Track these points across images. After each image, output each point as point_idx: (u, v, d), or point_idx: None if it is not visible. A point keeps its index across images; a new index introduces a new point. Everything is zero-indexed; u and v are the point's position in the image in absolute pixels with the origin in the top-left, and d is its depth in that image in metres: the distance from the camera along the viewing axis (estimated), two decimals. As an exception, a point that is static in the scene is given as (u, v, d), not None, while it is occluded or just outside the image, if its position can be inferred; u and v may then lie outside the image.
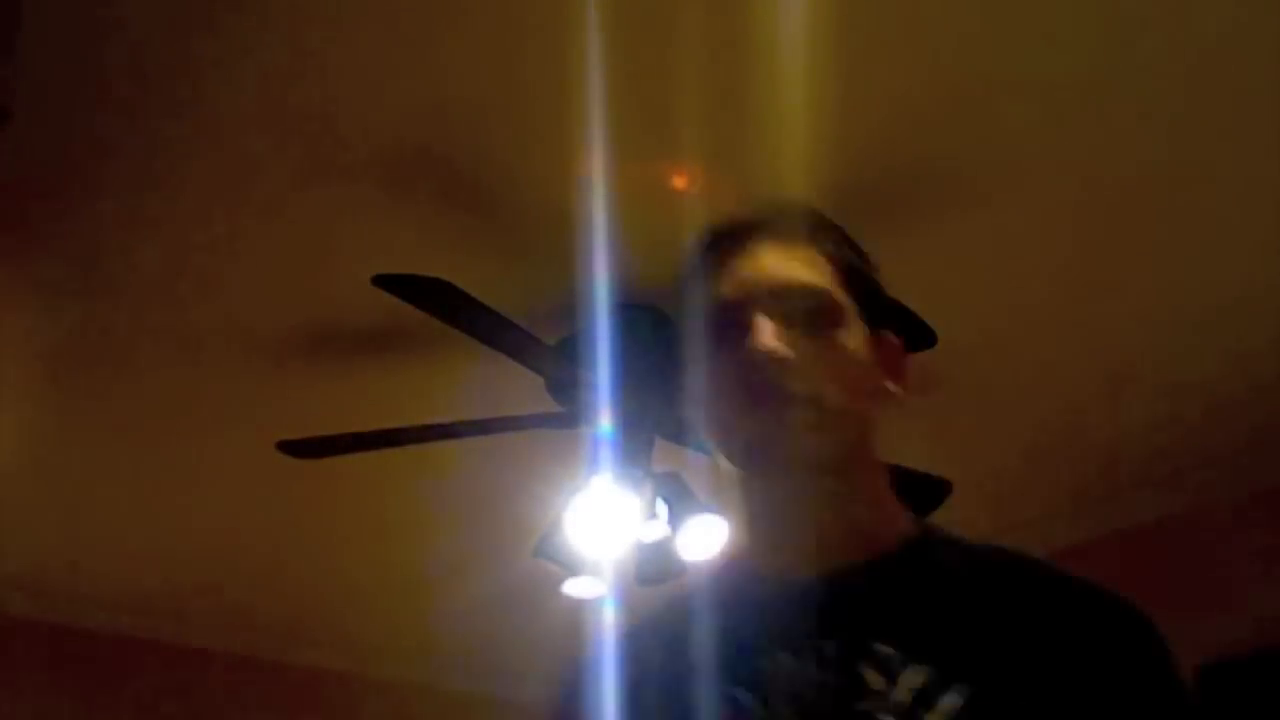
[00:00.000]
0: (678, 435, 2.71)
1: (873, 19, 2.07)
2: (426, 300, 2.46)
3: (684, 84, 2.22)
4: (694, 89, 2.22)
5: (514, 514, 3.43)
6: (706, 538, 2.79)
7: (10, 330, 2.95)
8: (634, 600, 2.22)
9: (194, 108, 2.30)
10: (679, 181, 2.41)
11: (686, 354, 1.09)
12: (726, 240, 1.11)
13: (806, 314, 1.04)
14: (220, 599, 4.31)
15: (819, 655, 0.99)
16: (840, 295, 1.06)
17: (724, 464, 1.08)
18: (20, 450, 3.46)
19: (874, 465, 1.09)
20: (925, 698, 0.94)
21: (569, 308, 2.65)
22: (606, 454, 2.65)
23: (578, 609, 3.45)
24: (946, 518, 1.15)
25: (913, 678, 0.95)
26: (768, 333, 1.02)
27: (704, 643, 1.05)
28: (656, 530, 2.83)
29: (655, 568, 2.90)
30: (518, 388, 2.77)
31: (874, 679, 0.97)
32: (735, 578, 1.10)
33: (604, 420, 2.62)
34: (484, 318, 2.50)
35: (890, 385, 1.09)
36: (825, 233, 1.11)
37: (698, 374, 1.08)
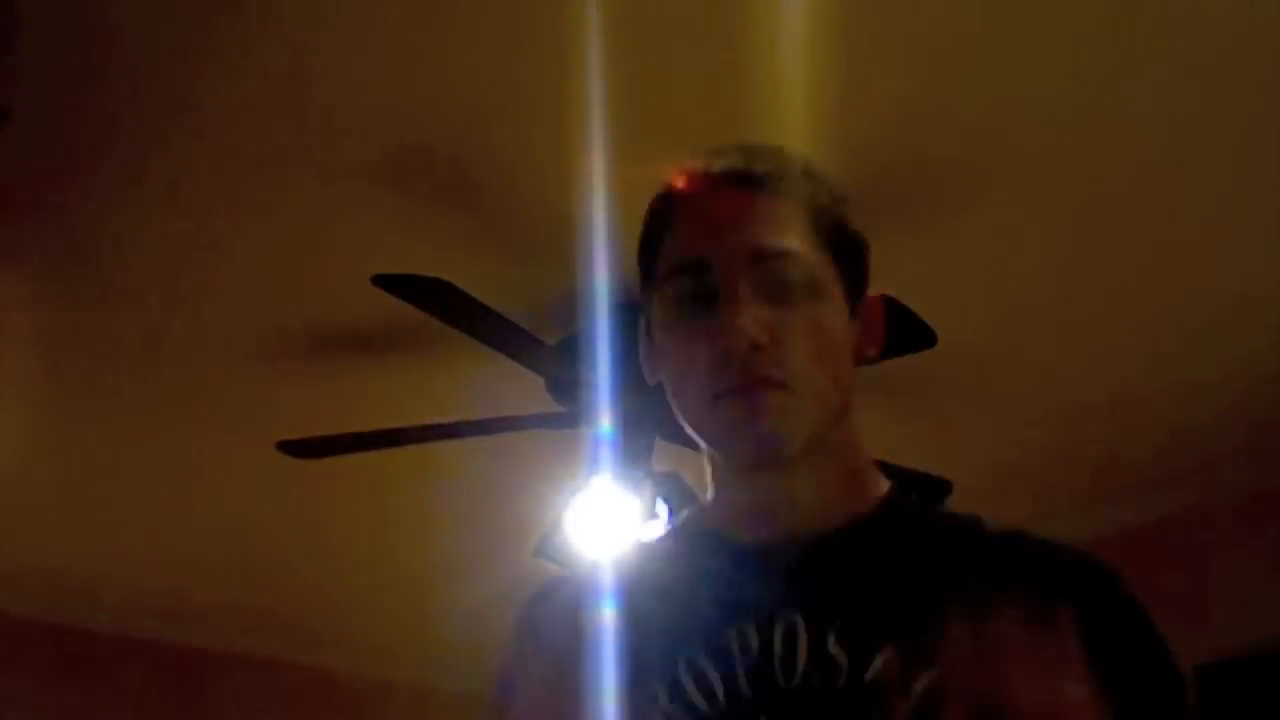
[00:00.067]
0: (678, 435, 2.71)
1: (872, 20, 2.07)
2: (426, 300, 2.46)
3: (684, 84, 2.22)
4: (694, 89, 2.22)
5: (514, 514, 3.43)
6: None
7: (10, 330, 2.95)
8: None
9: (194, 108, 2.30)
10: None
11: (650, 312, 1.02)
12: (697, 189, 1.02)
13: (784, 284, 0.97)
14: (220, 599, 4.30)
15: (783, 627, 0.95)
16: (820, 259, 0.99)
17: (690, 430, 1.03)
18: (20, 450, 3.46)
19: (850, 432, 1.03)
20: (891, 677, 0.90)
21: (569, 308, 2.65)
22: (606, 454, 2.65)
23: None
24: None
25: (879, 655, 0.91)
26: (745, 318, 0.95)
27: (660, 609, 1.01)
28: (656, 530, 2.83)
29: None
30: (518, 388, 2.77)
31: (839, 654, 0.92)
32: (698, 541, 1.05)
33: (604, 420, 2.62)
34: (484, 318, 2.50)
35: (869, 350, 1.04)
36: (803, 182, 1.02)
37: (664, 339, 1.01)
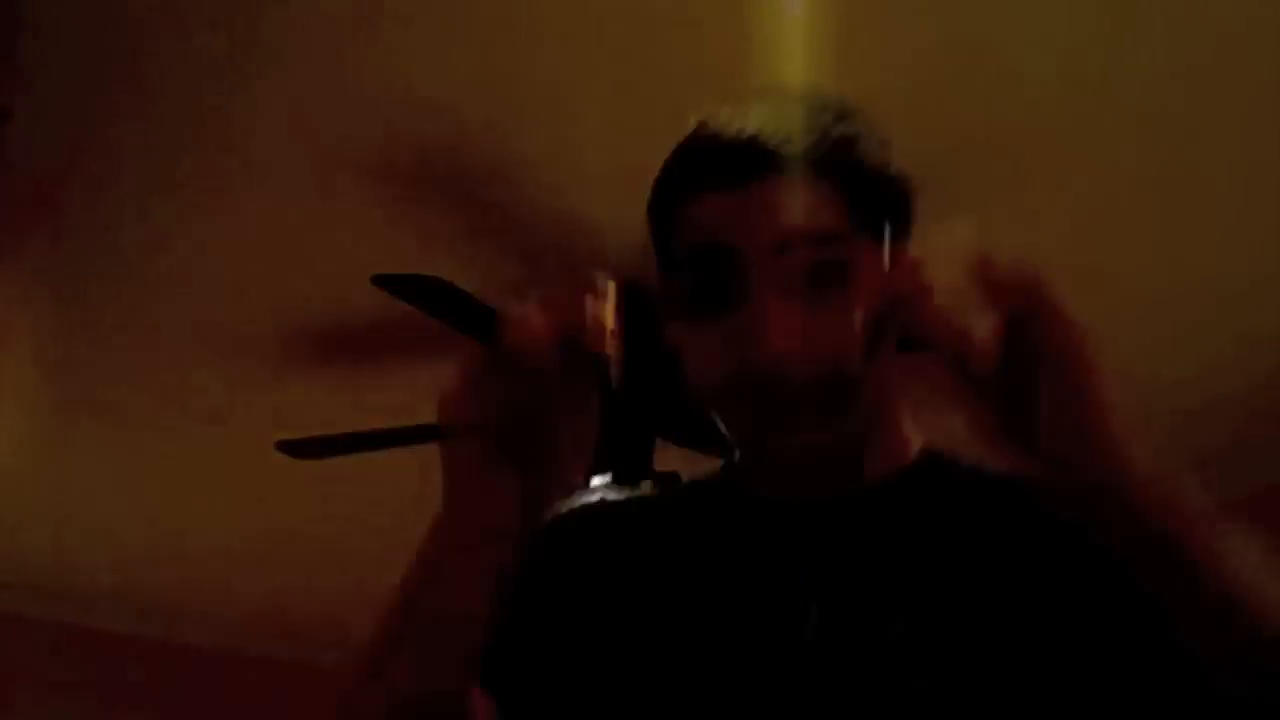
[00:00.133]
0: (678, 435, 2.71)
1: (873, 19, 2.07)
2: (426, 300, 2.46)
3: (685, 84, 2.22)
4: (697, 88, 2.22)
5: (514, 514, 3.43)
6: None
7: (10, 330, 2.95)
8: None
9: (194, 108, 2.30)
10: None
11: (666, 286, 0.93)
12: (715, 162, 0.91)
13: (815, 275, 0.87)
14: (220, 599, 4.30)
15: (798, 586, 0.90)
16: (857, 235, 0.88)
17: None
18: (20, 450, 3.46)
19: (886, 396, 0.95)
20: (909, 643, 0.85)
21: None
22: (606, 454, 2.64)
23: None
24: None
25: (897, 620, 0.86)
26: (773, 322, 0.86)
27: (673, 560, 0.95)
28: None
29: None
30: (518, 388, 2.76)
31: (854, 616, 0.87)
32: (719, 493, 1.00)
33: (603, 420, 2.62)
34: (484, 318, 2.49)
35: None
36: (836, 146, 0.91)
37: (681, 328, 0.93)
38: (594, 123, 2.25)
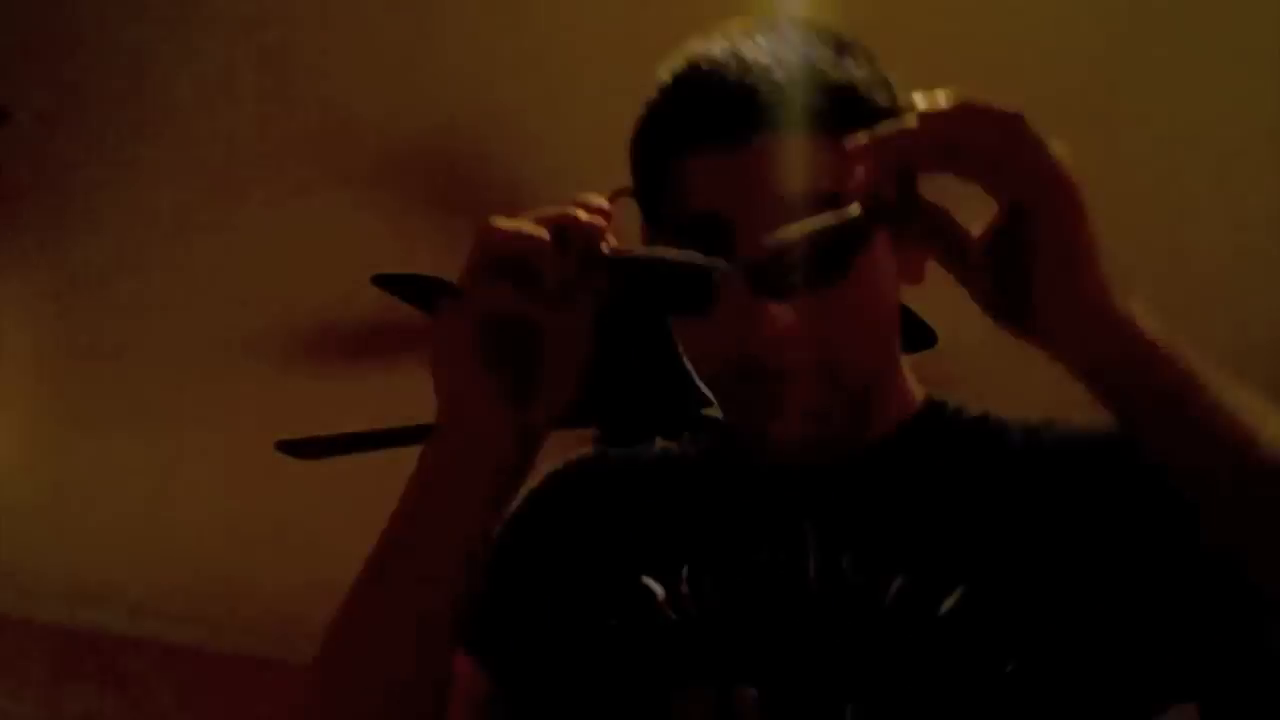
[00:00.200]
0: (678, 435, 2.70)
1: (874, 32, 2.07)
2: (426, 300, 2.46)
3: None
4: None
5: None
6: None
7: (10, 330, 2.95)
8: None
9: (194, 108, 2.30)
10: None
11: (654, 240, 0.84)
12: (709, 115, 0.82)
13: (810, 252, 0.77)
14: (220, 599, 4.30)
15: (792, 539, 0.85)
16: (859, 204, 0.76)
17: None
18: (20, 450, 3.46)
19: (888, 364, 0.90)
20: (917, 600, 0.81)
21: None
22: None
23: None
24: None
25: (898, 578, 0.82)
26: (770, 314, 0.79)
27: (668, 512, 0.91)
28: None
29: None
30: (518, 387, 2.76)
31: (853, 572, 0.83)
32: (716, 447, 0.96)
33: (604, 419, 2.62)
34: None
35: (909, 283, 0.89)
36: (836, 97, 0.82)
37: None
38: (596, 122, 2.24)
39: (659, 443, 1.00)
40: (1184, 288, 2.80)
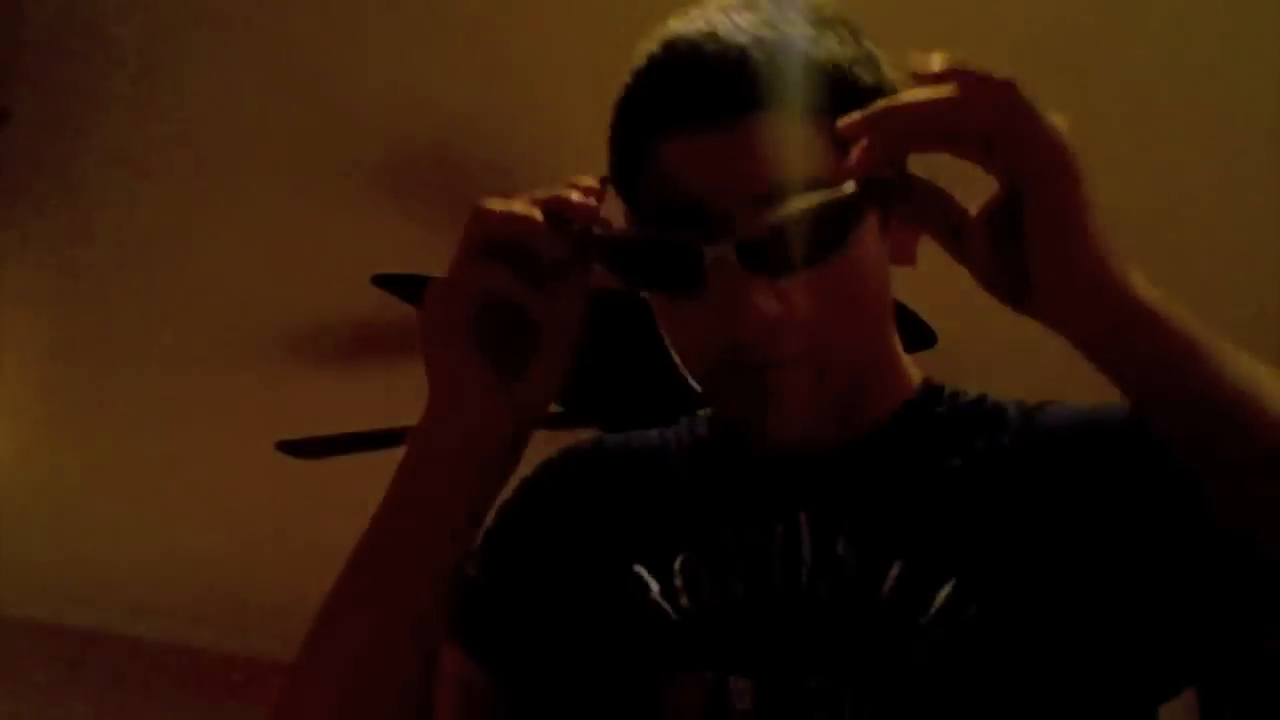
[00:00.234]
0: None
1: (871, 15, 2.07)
2: (426, 300, 2.46)
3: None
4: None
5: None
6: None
7: (10, 330, 2.95)
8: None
9: (194, 108, 2.30)
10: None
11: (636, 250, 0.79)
12: (687, 94, 0.78)
13: (804, 230, 0.75)
14: (220, 599, 4.30)
15: (784, 526, 0.83)
16: (845, 195, 0.74)
17: None
18: (20, 451, 3.46)
19: (882, 349, 0.87)
20: (910, 590, 0.78)
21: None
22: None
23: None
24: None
25: (895, 565, 0.79)
26: (753, 295, 0.76)
27: (661, 500, 0.89)
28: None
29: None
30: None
31: (849, 559, 0.80)
32: (709, 435, 0.93)
33: (604, 420, 2.62)
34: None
35: (901, 265, 0.86)
36: (817, 74, 0.78)
37: (659, 297, 0.83)
38: (597, 122, 2.25)
39: (654, 430, 0.98)
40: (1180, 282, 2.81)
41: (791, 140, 0.77)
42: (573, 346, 0.79)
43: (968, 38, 2.17)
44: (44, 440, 3.45)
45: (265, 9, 2.11)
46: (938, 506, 0.82)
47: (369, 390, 3.05)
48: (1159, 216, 2.59)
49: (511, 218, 0.75)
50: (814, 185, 0.74)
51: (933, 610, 0.78)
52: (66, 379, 3.17)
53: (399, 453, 0.85)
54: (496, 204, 0.76)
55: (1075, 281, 0.68)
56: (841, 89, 0.78)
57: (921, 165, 0.75)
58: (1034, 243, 0.68)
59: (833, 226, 0.75)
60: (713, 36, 0.78)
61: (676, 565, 0.84)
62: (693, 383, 0.86)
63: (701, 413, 0.94)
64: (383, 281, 2.44)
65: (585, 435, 1.01)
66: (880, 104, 0.70)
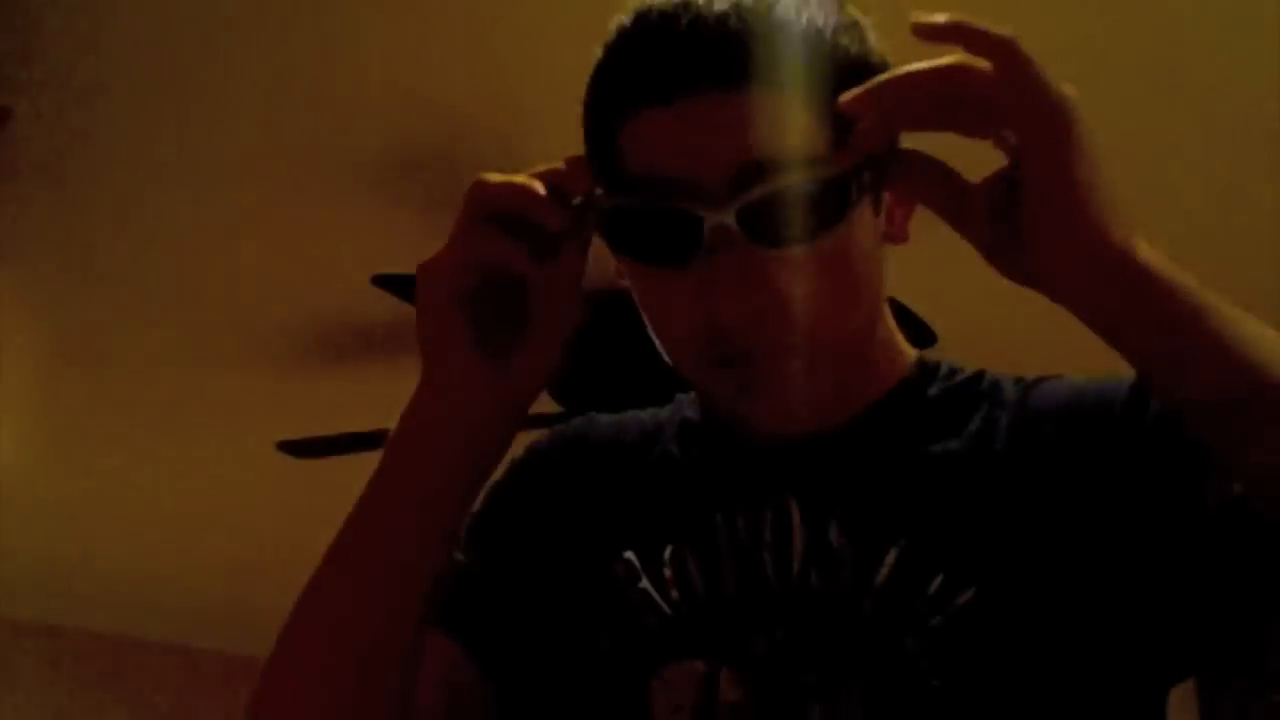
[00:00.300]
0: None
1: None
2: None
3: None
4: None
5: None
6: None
7: (10, 330, 2.95)
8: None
9: (194, 108, 2.30)
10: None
11: (604, 215, 0.76)
12: (658, 66, 0.74)
13: (784, 212, 0.72)
14: (221, 599, 4.30)
15: (774, 513, 0.80)
16: (833, 155, 0.72)
17: None
18: (20, 451, 3.46)
19: (876, 329, 0.83)
20: (906, 578, 0.76)
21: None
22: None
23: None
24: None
25: (890, 551, 0.77)
26: (734, 279, 0.72)
27: (648, 487, 0.87)
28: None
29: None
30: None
31: (842, 547, 0.78)
32: (696, 419, 0.90)
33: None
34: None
35: (894, 243, 0.82)
36: (801, 43, 0.74)
37: (630, 276, 0.79)
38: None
39: (646, 411, 0.95)
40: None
41: (776, 111, 0.73)
42: (568, 324, 0.78)
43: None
44: (44, 440, 3.45)
45: (265, 9, 2.10)
46: (932, 490, 0.79)
47: (369, 390, 3.05)
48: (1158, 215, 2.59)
49: (512, 188, 0.74)
50: (803, 157, 0.72)
51: (928, 597, 0.75)
52: (66, 379, 3.17)
53: (399, 453, 0.84)
54: (496, 176, 0.75)
55: (1077, 242, 0.66)
56: (826, 58, 0.74)
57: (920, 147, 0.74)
58: (1034, 202, 0.67)
59: (833, 198, 0.72)
60: (687, 5, 0.74)
61: (666, 555, 0.82)
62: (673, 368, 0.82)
63: (693, 393, 0.92)
64: (383, 281, 2.44)
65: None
66: (881, 78, 0.69)
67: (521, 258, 0.74)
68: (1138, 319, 0.68)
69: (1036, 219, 0.67)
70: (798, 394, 0.78)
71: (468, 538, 0.87)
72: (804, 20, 0.75)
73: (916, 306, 2.35)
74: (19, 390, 3.18)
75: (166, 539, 3.93)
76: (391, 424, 0.83)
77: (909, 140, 0.75)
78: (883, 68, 0.76)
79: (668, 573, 0.81)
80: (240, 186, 2.50)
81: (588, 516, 0.88)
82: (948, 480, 0.80)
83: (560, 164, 0.76)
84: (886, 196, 0.80)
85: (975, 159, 0.73)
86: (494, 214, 0.74)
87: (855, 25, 0.78)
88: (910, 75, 0.68)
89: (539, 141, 2.40)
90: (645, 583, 0.82)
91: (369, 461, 0.82)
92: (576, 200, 0.75)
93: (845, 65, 0.74)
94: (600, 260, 0.80)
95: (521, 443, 0.90)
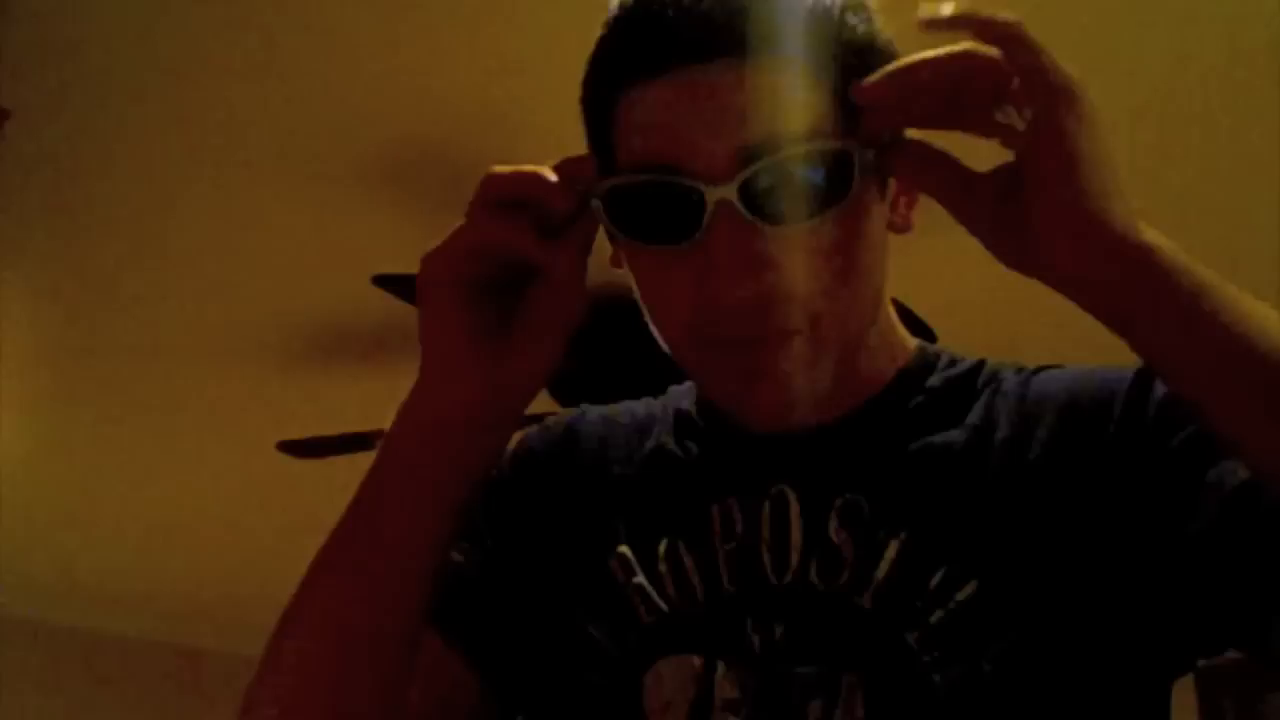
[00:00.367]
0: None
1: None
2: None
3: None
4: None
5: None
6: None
7: (10, 330, 2.95)
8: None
9: (194, 108, 2.30)
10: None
11: (605, 198, 0.75)
12: (655, 38, 0.73)
13: (788, 193, 0.71)
14: (220, 599, 4.30)
15: (772, 504, 0.79)
16: (839, 133, 0.71)
17: None
18: (20, 451, 3.46)
19: (877, 318, 0.82)
20: (911, 572, 0.74)
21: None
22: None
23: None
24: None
25: (891, 545, 0.75)
26: (736, 259, 0.71)
27: (642, 480, 0.85)
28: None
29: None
30: (517, 387, 2.77)
31: (842, 542, 0.76)
32: (693, 410, 0.88)
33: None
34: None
35: (898, 231, 0.81)
36: (805, 17, 0.73)
37: (628, 259, 0.78)
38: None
39: (639, 402, 0.94)
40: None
41: (782, 84, 0.71)
42: (569, 322, 0.76)
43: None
44: (44, 440, 3.45)
45: (265, 8, 2.10)
46: (933, 483, 0.78)
47: (369, 390, 3.05)
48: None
49: (520, 174, 0.74)
50: (808, 132, 0.71)
51: (929, 591, 0.74)
52: (66, 379, 3.17)
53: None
54: (506, 167, 0.75)
55: (1080, 218, 0.66)
56: (833, 35, 0.73)
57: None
58: (1040, 179, 0.66)
59: (837, 175, 0.71)
60: None
61: (661, 550, 0.81)
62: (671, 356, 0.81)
63: (688, 384, 0.90)
64: (383, 281, 2.44)
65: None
66: (896, 64, 0.69)
67: (529, 241, 0.73)
68: (1141, 298, 0.67)
69: (1042, 193, 0.66)
70: (798, 380, 0.75)
71: (460, 534, 0.85)
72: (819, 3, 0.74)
73: (917, 307, 2.36)
74: (19, 390, 3.18)
75: (166, 539, 3.93)
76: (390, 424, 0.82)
77: (914, 132, 0.75)
78: (888, 49, 0.75)
79: (663, 567, 0.80)
80: (240, 186, 2.50)
81: (581, 511, 0.86)
82: (949, 472, 0.78)
83: (568, 156, 0.76)
84: (892, 184, 0.78)
85: (977, 160, 0.73)
86: (503, 200, 0.74)
87: (862, 5, 0.77)
88: (925, 61, 0.67)
89: (539, 142, 2.40)
90: (641, 578, 0.80)
91: (369, 461, 0.82)
92: (580, 186, 0.75)
93: (852, 44, 0.74)
94: (600, 264, 0.79)
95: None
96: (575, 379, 2.70)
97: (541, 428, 0.94)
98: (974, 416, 0.81)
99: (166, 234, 2.63)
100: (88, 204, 2.54)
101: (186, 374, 3.09)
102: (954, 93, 0.68)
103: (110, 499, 3.71)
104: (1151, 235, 0.67)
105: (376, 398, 3.11)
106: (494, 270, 0.75)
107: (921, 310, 2.39)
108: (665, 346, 0.79)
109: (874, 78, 0.69)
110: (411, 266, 0.81)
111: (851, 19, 0.75)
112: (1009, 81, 0.67)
